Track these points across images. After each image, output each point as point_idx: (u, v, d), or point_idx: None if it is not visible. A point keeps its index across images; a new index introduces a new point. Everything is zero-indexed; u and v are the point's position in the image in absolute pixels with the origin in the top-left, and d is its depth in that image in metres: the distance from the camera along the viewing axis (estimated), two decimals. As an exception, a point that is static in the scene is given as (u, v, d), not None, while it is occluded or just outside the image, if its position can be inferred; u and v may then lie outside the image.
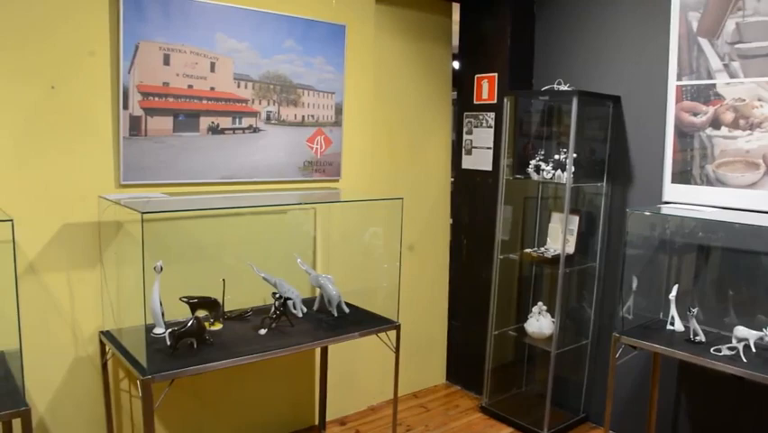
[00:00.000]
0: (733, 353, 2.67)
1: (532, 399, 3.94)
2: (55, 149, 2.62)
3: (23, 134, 2.54)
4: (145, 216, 2.28)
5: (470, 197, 4.12)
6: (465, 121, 4.09)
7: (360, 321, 3.07)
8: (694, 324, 2.86)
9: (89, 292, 2.77)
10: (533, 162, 3.58)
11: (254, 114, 3.14)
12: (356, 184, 3.61)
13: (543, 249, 3.75)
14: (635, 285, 3.15)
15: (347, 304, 3.17)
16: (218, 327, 2.86)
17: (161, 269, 2.61)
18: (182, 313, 2.76)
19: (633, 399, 3.46)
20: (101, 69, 2.69)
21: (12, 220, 2.04)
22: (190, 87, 2.91)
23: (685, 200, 3.17)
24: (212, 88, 2.98)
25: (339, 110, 3.46)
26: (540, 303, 3.65)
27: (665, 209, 3.19)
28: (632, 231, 3.16)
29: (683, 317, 2.99)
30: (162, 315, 2.71)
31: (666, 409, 3.32)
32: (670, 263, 3.26)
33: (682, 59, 3.14)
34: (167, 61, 2.82)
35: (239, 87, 3.06)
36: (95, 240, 2.76)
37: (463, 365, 4.27)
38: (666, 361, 3.22)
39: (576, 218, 3.59)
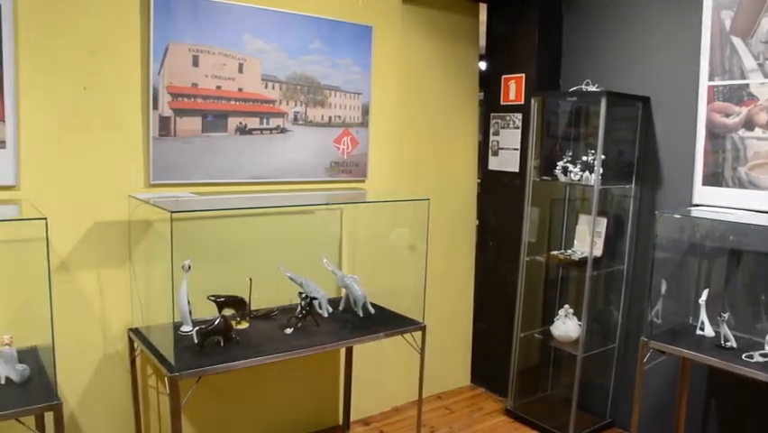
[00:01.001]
0: (766, 359, 2.61)
1: (557, 402, 3.90)
2: (87, 149, 2.67)
3: (56, 135, 2.59)
4: (174, 215, 2.31)
5: (497, 198, 4.10)
6: (492, 122, 4.07)
7: (385, 322, 3.08)
8: (725, 329, 2.80)
9: (119, 290, 2.82)
10: (560, 164, 3.54)
11: (281, 114, 3.16)
12: (382, 185, 3.61)
13: (570, 251, 3.72)
14: (663, 289, 3.10)
15: (373, 304, 3.17)
16: (244, 325, 2.89)
17: (189, 267, 2.64)
18: (209, 311, 2.79)
19: (660, 405, 3.41)
20: (131, 71, 2.73)
21: (45, 219, 2.09)
22: (219, 87, 2.94)
23: (716, 203, 3.10)
24: (240, 89, 3.01)
25: (366, 111, 3.47)
26: (566, 306, 3.62)
27: (695, 212, 3.13)
28: (661, 234, 3.11)
29: (714, 322, 2.93)
30: (190, 313, 2.74)
31: (695, 417, 3.26)
32: (700, 267, 3.20)
33: (714, 59, 3.08)
34: (195, 62, 2.86)
35: (266, 87, 3.09)
36: (125, 239, 2.81)
37: (488, 367, 4.25)
38: (695, 367, 3.16)
39: (604, 220, 3.54)
